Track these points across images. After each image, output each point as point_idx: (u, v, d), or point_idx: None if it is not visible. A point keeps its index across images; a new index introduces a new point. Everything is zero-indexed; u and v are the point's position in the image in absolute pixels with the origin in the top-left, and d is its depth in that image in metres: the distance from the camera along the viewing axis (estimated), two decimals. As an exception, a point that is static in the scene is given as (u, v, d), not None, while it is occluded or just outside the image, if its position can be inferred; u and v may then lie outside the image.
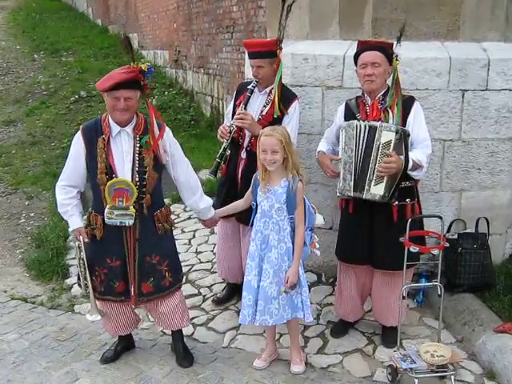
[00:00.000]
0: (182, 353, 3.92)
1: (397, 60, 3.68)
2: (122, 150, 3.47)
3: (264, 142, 3.46)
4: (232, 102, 4.32)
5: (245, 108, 4.07)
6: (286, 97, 4.05)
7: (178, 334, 3.97)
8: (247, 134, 4.10)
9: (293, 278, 3.52)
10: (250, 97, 4.08)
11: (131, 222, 3.47)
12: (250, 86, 4.08)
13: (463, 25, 4.47)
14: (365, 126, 3.59)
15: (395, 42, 3.72)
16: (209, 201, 3.83)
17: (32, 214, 6.75)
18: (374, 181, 3.58)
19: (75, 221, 3.62)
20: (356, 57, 3.78)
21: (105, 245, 3.57)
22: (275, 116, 4.00)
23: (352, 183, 3.67)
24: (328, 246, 4.50)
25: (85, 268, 3.63)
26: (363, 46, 3.74)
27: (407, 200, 3.73)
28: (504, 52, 4.45)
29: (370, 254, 3.86)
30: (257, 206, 3.64)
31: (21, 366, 3.91)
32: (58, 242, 5.74)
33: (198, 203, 3.77)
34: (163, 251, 3.67)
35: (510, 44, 4.57)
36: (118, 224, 3.46)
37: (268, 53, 3.99)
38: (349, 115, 3.84)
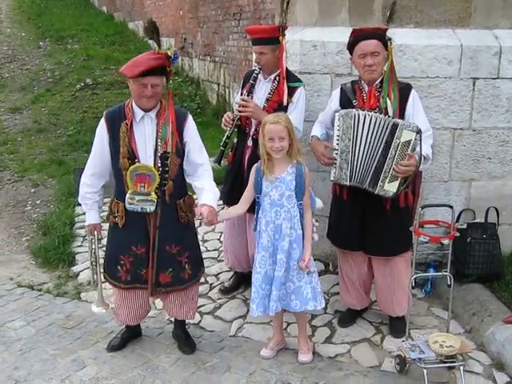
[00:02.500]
0: (184, 339, 3.92)
1: (391, 44, 3.63)
2: (145, 135, 3.45)
3: (271, 130, 3.41)
4: (239, 91, 4.30)
5: (248, 95, 4.06)
6: (291, 85, 4.01)
7: (180, 321, 3.97)
8: (253, 121, 4.08)
9: (309, 258, 3.56)
10: (253, 84, 4.07)
11: (152, 208, 3.44)
12: (253, 74, 4.07)
13: (475, 12, 4.40)
14: (377, 119, 3.53)
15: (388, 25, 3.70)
16: (216, 190, 3.67)
17: (38, 202, 6.73)
18: (389, 178, 3.56)
19: (92, 216, 3.64)
20: (352, 45, 3.70)
21: (128, 232, 3.56)
22: (283, 102, 3.97)
23: (348, 172, 3.67)
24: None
25: (96, 261, 3.66)
26: (359, 35, 3.65)
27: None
28: (516, 40, 4.39)
29: (362, 240, 3.85)
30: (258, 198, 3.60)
31: (28, 354, 3.90)
32: (65, 230, 5.73)
33: (206, 180, 3.57)
34: (184, 242, 3.65)
35: (522, 32, 4.50)
36: (139, 210, 3.44)
37: (270, 39, 3.95)
38: (345, 100, 3.79)
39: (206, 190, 3.51)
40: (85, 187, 3.61)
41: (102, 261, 3.77)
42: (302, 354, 3.76)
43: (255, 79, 4.06)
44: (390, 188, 3.58)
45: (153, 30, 3.48)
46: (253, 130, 4.10)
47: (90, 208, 3.63)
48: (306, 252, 3.57)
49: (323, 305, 3.72)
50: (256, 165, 3.61)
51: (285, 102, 3.97)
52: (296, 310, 3.65)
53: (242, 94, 4.16)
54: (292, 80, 4.04)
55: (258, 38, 4.00)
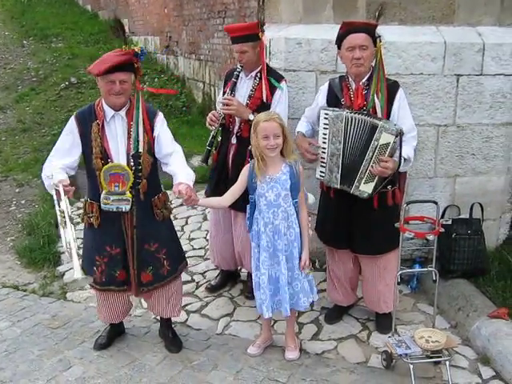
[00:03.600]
0: (171, 338, 3.92)
1: (380, 41, 3.60)
2: (117, 135, 3.43)
3: (265, 128, 3.38)
4: (221, 91, 4.30)
5: (231, 94, 4.05)
6: (272, 81, 4.03)
7: (166, 320, 3.96)
8: (237, 119, 4.08)
9: (308, 259, 3.58)
10: (236, 82, 4.06)
11: (128, 207, 3.42)
12: (235, 72, 4.06)
13: (458, 9, 4.43)
14: (360, 121, 3.51)
15: (378, 23, 3.67)
16: (191, 171, 3.53)
17: (23, 202, 6.68)
18: (364, 179, 3.55)
19: (57, 176, 3.32)
20: (340, 39, 3.66)
21: (103, 233, 3.54)
22: (263, 99, 3.98)
23: (339, 176, 3.65)
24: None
25: (65, 222, 3.22)
26: (349, 28, 3.62)
27: (388, 187, 3.68)
28: (499, 36, 4.41)
29: (349, 239, 3.85)
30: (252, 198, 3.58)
31: (13, 354, 3.87)
32: (49, 230, 5.69)
33: (179, 163, 3.50)
34: (161, 239, 3.64)
35: (505, 28, 4.52)
36: (115, 210, 3.41)
37: (250, 36, 3.95)
38: (332, 98, 3.77)
39: (180, 171, 3.46)
40: (44, 170, 3.44)
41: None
42: (289, 352, 3.76)
43: (237, 77, 4.05)
44: (366, 189, 3.56)
45: (118, 29, 3.46)
46: (236, 127, 4.10)
47: (53, 174, 3.33)
48: (304, 252, 3.58)
49: (316, 298, 3.74)
50: (249, 164, 3.57)
51: (265, 99, 3.98)
52: (302, 308, 3.66)
53: (224, 93, 4.15)
54: (274, 76, 4.04)
55: (238, 35, 3.98)
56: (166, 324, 3.97)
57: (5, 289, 4.84)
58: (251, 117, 3.90)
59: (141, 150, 3.42)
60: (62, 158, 3.49)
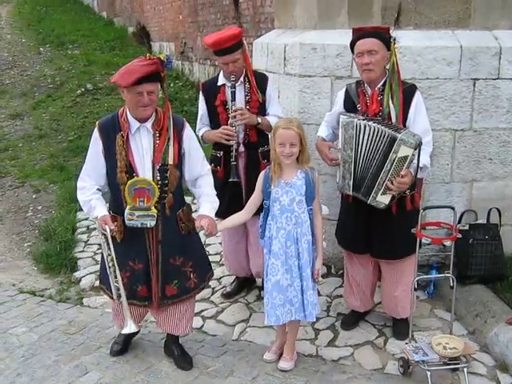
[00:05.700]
0: (181, 355, 3.79)
1: (395, 44, 3.55)
2: (142, 147, 3.31)
3: (282, 135, 3.38)
4: (204, 105, 4.20)
5: (233, 103, 4.03)
6: (259, 81, 4.10)
7: (174, 337, 3.84)
8: (240, 128, 4.06)
9: (321, 268, 3.58)
10: (234, 92, 4.01)
11: (153, 223, 3.30)
12: (229, 84, 4.02)
13: (474, 13, 4.40)
14: (376, 130, 3.44)
15: (392, 26, 3.65)
16: (216, 198, 3.55)
17: (39, 207, 6.73)
18: (382, 190, 3.51)
19: (99, 209, 3.34)
20: (352, 44, 3.66)
21: (126, 247, 3.40)
22: (260, 100, 4.06)
23: (351, 182, 3.62)
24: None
25: (114, 267, 3.36)
26: (358, 33, 3.60)
27: (406, 192, 3.65)
28: (516, 40, 4.38)
29: (368, 243, 3.83)
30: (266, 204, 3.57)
31: (30, 360, 3.89)
32: (66, 235, 5.72)
33: (205, 189, 3.49)
34: (187, 252, 3.53)
35: (522, 32, 4.49)
36: (139, 226, 3.29)
37: (239, 44, 3.97)
38: (349, 103, 3.75)
39: (205, 200, 3.44)
40: (81, 196, 3.44)
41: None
42: (283, 361, 3.70)
43: (234, 86, 4.01)
44: (383, 200, 3.53)
45: (142, 35, 3.41)
46: (242, 136, 4.08)
47: (94, 206, 3.36)
48: (318, 260, 3.58)
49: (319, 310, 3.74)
50: (265, 170, 3.58)
51: (260, 99, 4.05)
52: (311, 319, 3.62)
53: (215, 107, 4.09)
54: (259, 77, 4.12)
55: (228, 46, 3.90)
56: (173, 340, 3.84)
57: (22, 294, 4.87)
58: (259, 119, 3.95)
59: (170, 162, 3.29)
60: (94, 177, 3.41)
